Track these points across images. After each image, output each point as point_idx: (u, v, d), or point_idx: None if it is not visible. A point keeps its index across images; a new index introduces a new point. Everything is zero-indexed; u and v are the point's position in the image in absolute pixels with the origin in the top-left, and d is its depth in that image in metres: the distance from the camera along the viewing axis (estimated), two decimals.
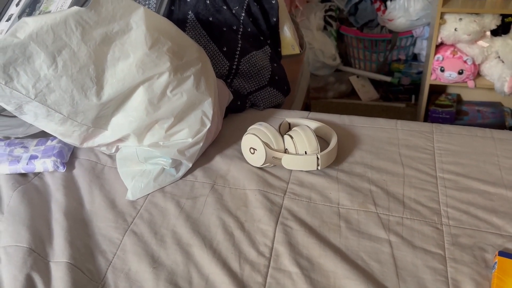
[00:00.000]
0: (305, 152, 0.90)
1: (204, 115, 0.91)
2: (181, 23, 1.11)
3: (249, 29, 1.16)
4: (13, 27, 0.73)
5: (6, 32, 1.08)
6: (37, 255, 0.78)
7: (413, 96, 2.10)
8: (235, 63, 1.12)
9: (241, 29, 1.15)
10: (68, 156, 0.99)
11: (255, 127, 0.94)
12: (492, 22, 1.62)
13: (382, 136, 1.00)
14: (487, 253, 0.72)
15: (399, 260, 0.73)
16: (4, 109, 1.01)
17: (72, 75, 0.77)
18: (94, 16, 0.77)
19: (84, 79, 0.78)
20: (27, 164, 0.94)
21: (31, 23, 0.74)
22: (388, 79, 2.10)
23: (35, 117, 0.83)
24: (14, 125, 1.01)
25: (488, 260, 0.71)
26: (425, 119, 1.87)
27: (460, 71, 1.71)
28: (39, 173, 0.96)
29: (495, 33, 1.68)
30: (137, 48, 0.81)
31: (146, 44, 0.81)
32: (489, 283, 0.68)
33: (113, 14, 0.79)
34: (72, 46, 0.76)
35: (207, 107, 0.91)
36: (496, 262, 0.69)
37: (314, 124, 1.01)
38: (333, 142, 0.93)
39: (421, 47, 2.07)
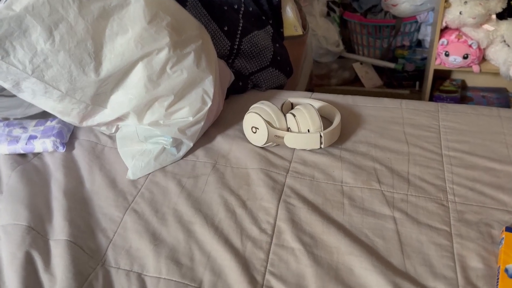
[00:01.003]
0: (308, 130, 0.88)
1: (205, 93, 0.90)
2: (181, 2, 1.09)
3: (251, 9, 1.14)
4: (8, 0, 0.72)
5: None
6: (36, 233, 0.77)
7: (417, 83, 2.08)
8: (237, 43, 1.10)
9: (242, 8, 1.12)
10: (68, 137, 0.98)
11: (257, 106, 0.92)
12: (498, 5, 1.59)
13: (386, 116, 0.98)
14: (493, 229, 0.71)
15: (403, 237, 0.71)
16: (2, 89, 1.00)
17: (70, 49, 0.76)
18: None
19: (82, 54, 0.77)
20: (26, 144, 0.93)
21: None
22: (392, 65, 2.08)
23: (33, 94, 0.82)
24: (13, 106, 1.00)
25: (494, 236, 0.70)
26: None
27: (465, 56, 1.68)
28: (38, 153, 0.95)
29: (501, 16, 1.65)
30: (136, 22, 0.79)
31: (145, 18, 0.79)
32: (496, 258, 0.67)
33: None
34: (69, 19, 0.74)
35: (208, 85, 0.90)
36: (503, 238, 0.67)
37: (317, 104, 0.99)
38: (337, 120, 0.91)
39: (425, 32, 2.04)
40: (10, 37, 0.72)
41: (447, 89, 1.87)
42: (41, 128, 0.97)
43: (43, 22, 0.73)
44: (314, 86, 2.08)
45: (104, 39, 0.78)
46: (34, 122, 0.99)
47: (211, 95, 0.90)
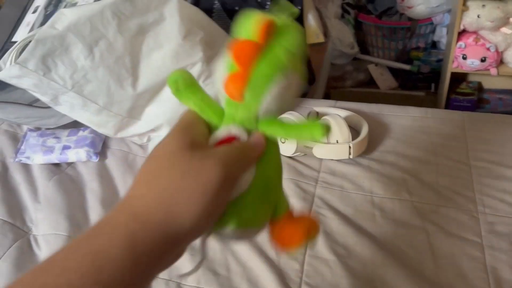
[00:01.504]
0: (337, 141, 0.90)
1: None
2: (207, 13, 1.10)
3: None
4: (51, 19, 0.74)
5: (33, 24, 1.09)
6: None
7: (433, 85, 2.08)
8: None
9: None
10: (100, 146, 1.00)
11: (285, 116, 0.94)
12: None
13: (413, 125, 0.99)
14: None
15: (436, 248, 0.73)
16: (36, 100, 1.02)
17: (109, 65, 0.78)
18: (129, 7, 0.78)
19: (120, 69, 0.79)
20: (60, 154, 0.96)
21: (69, 15, 0.74)
22: (407, 67, 2.08)
23: (70, 107, 0.85)
24: (46, 116, 1.02)
25: None
26: (446, 108, 1.85)
27: (483, 59, 1.68)
28: (72, 163, 0.98)
29: None
30: (171, 38, 0.81)
31: (180, 34, 0.81)
32: None
33: (147, 4, 0.79)
34: (108, 37, 0.77)
35: None
36: None
37: (343, 113, 1.01)
38: (364, 130, 0.93)
39: (441, 34, 2.04)
40: (52, 54, 0.75)
41: (464, 91, 1.87)
42: (74, 138, 0.99)
43: (84, 40, 0.75)
44: (329, 88, 2.09)
45: (141, 55, 0.80)
46: (66, 132, 1.02)
47: None
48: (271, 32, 0.33)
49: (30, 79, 0.77)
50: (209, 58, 0.85)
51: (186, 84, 0.36)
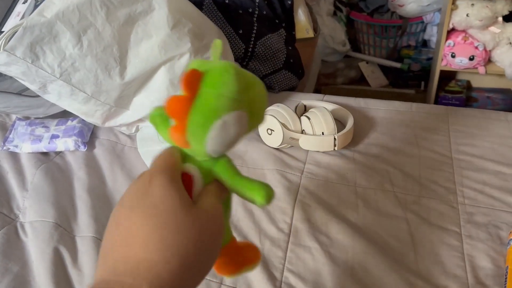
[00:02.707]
0: (322, 133, 0.91)
1: None
2: (198, 5, 1.11)
3: (265, 12, 1.16)
4: (40, 6, 0.75)
5: (24, 14, 1.09)
6: (63, 230, 0.80)
7: (423, 83, 2.10)
8: (251, 45, 1.13)
9: (256, 12, 1.15)
10: (89, 136, 1.01)
11: (272, 108, 0.95)
12: (505, 7, 1.62)
13: (398, 118, 1.01)
14: (501, 231, 0.74)
15: (416, 237, 0.75)
16: (25, 89, 1.03)
17: (97, 54, 0.79)
18: None
19: (108, 58, 0.80)
20: (48, 143, 0.96)
21: (57, 3, 0.75)
22: (397, 65, 2.10)
23: (58, 96, 0.85)
24: (34, 106, 1.03)
25: (503, 237, 0.73)
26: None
27: (471, 57, 1.71)
28: (60, 152, 0.99)
29: (507, 18, 1.67)
30: (159, 28, 0.82)
31: (168, 24, 0.82)
32: (504, 258, 0.70)
33: None
34: (97, 25, 0.77)
35: None
36: (511, 239, 0.71)
37: (330, 106, 1.02)
38: (350, 123, 0.94)
39: (431, 33, 2.06)
40: (40, 42, 0.75)
41: (453, 89, 1.90)
42: (63, 127, 1.00)
43: (72, 28, 0.76)
44: (320, 85, 2.11)
45: (129, 44, 0.81)
46: (55, 122, 1.02)
47: None
48: (195, 82, 0.34)
49: (18, 67, 0.78)
50: (198, 50, 0.86)
51: (163, 120, 0.38)
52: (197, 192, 0.37)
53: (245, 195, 0.38)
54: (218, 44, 0.37)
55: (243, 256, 0.43)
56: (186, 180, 0.37)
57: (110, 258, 0.31)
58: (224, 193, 0.39)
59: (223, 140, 0.36)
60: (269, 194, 0.37)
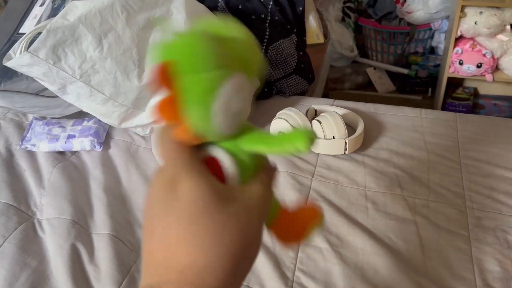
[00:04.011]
0: (333, 136, 0.93)
1: None
2: (211, 9, 1.14)
3: (277, 18, 1.19)
4: (63, 10, 0.77)
5: (41, 16, 1.12)
6: (80, 227, 0.82)
7: (430, 89, 2.12)
8: (263, 50, 1.15)
9: (269, 18, 1.18)
10: (104, 136, 1.03)
11: (284, 112, 0.97)
12: None
13: (407, 124, 1.03)
14: (509, 235, 0.76)
15: (424, 240, 0.76)
16: (43, 90, 1.05)
17: (116, 57, 0.81)
18: (138, 1, 0.81)
19: (127, 61, 0.82)
20: (65, 142, 0.99)
21: (80, 7, 0.77)
22: (405, 71, 2.12)
23: (77, 97, 0.88)
24: (51, 106, 1.05)
25: (510, 241, 0.75)
26: None
27: (479, 65, 1.72)
28: (76, 152, 1.01)
29: None
30: None
31: (186, 28, 0.85)
32: (511, 262, 0.71)
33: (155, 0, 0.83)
34: (117, 29, 0.80)
35: None
36: None
37: (340, 111, 1.04)
38: (360, 127, 0.96)
39: (439, 40, 2.08)
40: (63, 44, 0.78)
41: (460, 96, 1.91)
42: (79, 127, 1.03)
43: (94, 32, 0.78)
44: (328, 90, 2.13)
45: (148, 48, 0.83)
46: (71, 122, 1.05)
47: None
48: (166, 77, 0.29)
49: (40, 68, 0.80)
50: None
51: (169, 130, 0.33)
52: (231, 173, 0.33)
53: (284, 148, 0.32)
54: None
55: (300, 221, 0.39)
56: (212, 165, 0.32)
57: (152, 265, 0.30)
58: (271, 173, 0.35)
59: (232, 114, 0.31)
60: (310, 137, 0.31)
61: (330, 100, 1.15)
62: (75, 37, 0.78)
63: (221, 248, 0.28)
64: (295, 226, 0.39)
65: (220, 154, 0.33)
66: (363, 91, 2.21)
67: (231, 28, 0.34)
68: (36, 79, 0.89)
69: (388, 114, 1.07)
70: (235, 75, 0.31)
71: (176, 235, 0.29)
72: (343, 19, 2.21)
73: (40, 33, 0.80)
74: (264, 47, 1.15)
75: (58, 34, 0.77)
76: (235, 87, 0.31)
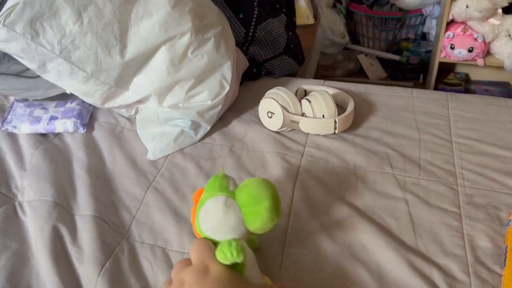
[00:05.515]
0: (323, 116, 0.91)
1: (223, 78, 0.92)
2: None
3: None
4: None
5: None
6: (62, 208, 0.80)
7: (421, 75, 2.11)
8: (251, 30, 1.12)
9: None
10: (87, 118, 1.00)
11: (273, 91, 0.95)
12: None
13: (398, 103, 1.01)
14: (501, 212, 0.75)
15: (415, 217, 0.75)
16: (23, 70, 1.02)
17: (97, 32, 0.78)
18: None
19: (109, 36, 0.79)
20: (47, 124, 0.96)
21: None
22: (396, 57, 2.11)
23: (58, 75, 0.85)
24: (32, 88, 1.02)
25: (502, 218, 0.74)
26: None
27: (470, 49, 1.71)
28: (58, 133, 0.98)
29: (507, 10, 1.68)
30: (160, 7, 0.81)
31: (169, 3, 0.82)
32: (503, 238, 0.70)
33: None
34: (97, 2, 0.77)
35: (227, 70, 0.92)
36: (511, 220, 0.71)
37: (331, 91, 1.02)
38: (350, 106, 0.94)
39: (430, 26, 2.07)
40: (40, 18, 0.75)
41: (451, 82, 1.90)
42: (62, 109, 0.99)
43: (73, 5, 0.75)
44: (319, 77, 2.11)
45: (130, 22, 0.80)
46: (54, 103, 1.02)
47: (229, 80, 0.93)
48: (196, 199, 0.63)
49: (18, 43, 0.77)
50: (198, 29, 0.86)
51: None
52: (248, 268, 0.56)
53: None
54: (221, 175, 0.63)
55: None
56: None
57: None
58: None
59: (212, 223, 0.58)
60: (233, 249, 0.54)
61: (320, 81, 1.13)
62: (53, 10, 0.75)
63: None
64: None
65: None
66: (355, 78, 2.20)
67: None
68: (16, 57, 0.85)
69: (379, 94, 1.05)
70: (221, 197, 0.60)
71: None
72: (334, 5, 2.19)
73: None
74: (252, 27, 1.12)
75: (35, 7, 0.73)
76: (217, 204, 0.58)
